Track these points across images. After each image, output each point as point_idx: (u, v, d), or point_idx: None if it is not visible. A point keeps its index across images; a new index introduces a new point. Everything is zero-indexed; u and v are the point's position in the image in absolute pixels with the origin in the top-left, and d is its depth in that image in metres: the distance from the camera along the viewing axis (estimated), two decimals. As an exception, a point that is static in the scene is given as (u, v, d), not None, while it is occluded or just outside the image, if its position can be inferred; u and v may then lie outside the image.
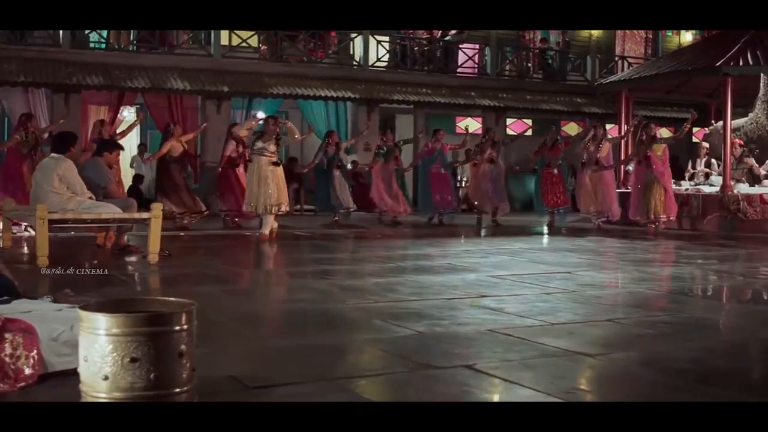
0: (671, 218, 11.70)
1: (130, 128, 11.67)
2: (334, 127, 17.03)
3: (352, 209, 13.09)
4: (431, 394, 2.88)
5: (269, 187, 9.76)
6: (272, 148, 9.82)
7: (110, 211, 7.05)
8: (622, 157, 13.34)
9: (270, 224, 9.84)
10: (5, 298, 3.37)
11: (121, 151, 8.98)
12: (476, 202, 13.24)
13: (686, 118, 12.12)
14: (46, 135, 10.77)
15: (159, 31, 16.05)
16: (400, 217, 12.91)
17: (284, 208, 10.00)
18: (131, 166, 16.53)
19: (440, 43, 19.09)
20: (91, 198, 7.18)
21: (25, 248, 8.20)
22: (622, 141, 13.53)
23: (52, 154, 7.30)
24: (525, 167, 14.56)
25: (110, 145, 8.66)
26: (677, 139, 12.33)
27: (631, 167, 13.01)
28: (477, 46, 19.19)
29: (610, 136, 13.03)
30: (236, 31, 16.45)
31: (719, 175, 12.77)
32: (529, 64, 20.18)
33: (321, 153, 12.84)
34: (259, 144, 9.81)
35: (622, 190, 13.08)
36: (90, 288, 5.28)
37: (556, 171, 12.67)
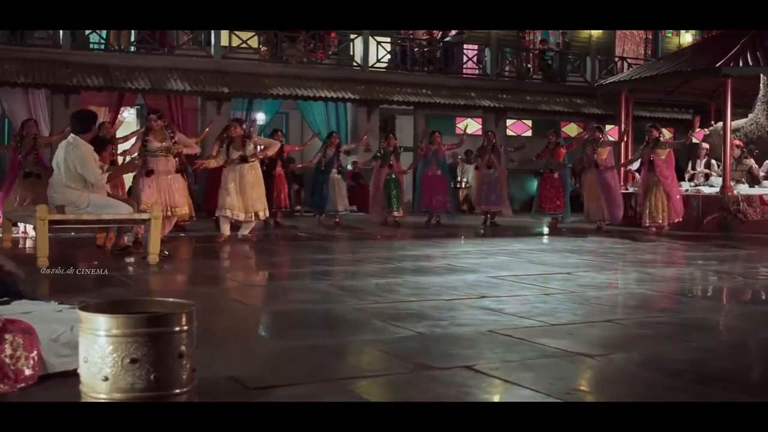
0: (673, 221, 11.42)
1: (132, 134, 11.54)
2: (334, 127, 17.03)
3: (344, 211, 12.99)
4: (431, 394, 2.88)
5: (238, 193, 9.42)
6: (248, 150, 9.50)
7: (116, 211, 7.00)
8: (622, 160, 13.26)
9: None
10: (5, 299, 3.37)
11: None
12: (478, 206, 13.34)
13: (686, 119, 12.07)
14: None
15: (159, 32, 16.05)
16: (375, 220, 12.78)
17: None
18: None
19: (440, 44, 19.10)
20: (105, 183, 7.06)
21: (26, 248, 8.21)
22: (622, 143, 13.42)
23: (69, 138, 6.99)
24: (524, 167, 14.41)
25: (101, 143, 8.58)
26: (683, 145, 12.29)
27: (635, 166, 12.91)
28: (477, 47, 19.21)
29: (610, 137, 12.97)
30: (236, 32, 16.46)
31: (719, 176, 12.75)
32: (529, 65, 20.18)
33: (320, 153, 12.84)
34: (236, 153, 9.45)
35: (624, 191, 13.00)
36: (90, 288, 5.28)
37: (556, 175, 12.45)
